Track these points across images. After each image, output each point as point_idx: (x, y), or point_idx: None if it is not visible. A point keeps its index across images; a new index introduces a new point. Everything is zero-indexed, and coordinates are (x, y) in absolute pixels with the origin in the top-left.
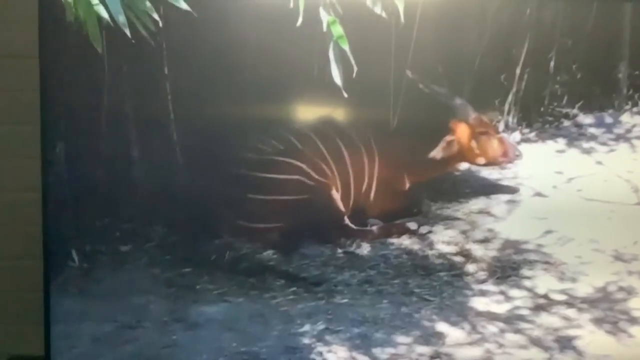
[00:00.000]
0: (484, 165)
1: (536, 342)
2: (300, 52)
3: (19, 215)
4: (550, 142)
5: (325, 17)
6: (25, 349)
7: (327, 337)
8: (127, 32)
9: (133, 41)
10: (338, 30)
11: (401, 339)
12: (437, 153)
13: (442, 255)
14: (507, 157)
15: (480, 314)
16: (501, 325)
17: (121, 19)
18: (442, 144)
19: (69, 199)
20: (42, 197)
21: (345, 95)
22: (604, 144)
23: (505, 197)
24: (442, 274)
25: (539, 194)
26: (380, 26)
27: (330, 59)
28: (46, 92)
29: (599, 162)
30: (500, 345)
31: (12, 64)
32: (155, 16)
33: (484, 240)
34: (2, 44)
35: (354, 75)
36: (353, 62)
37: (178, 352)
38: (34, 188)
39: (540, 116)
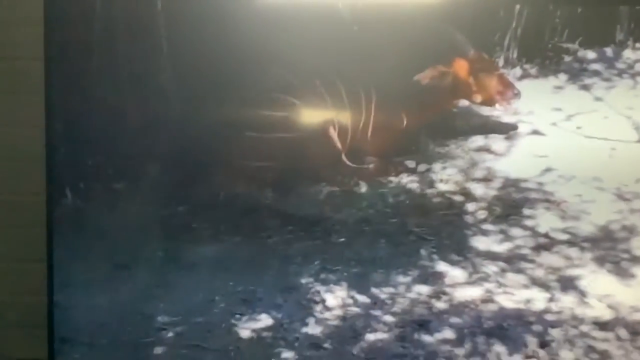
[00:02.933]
0: (482, 103)
1: (537, 282)
2: None
3: (22, 217)
4: (552, 78)
5: None
6: (28, 353)
7: (325, 277)
8: None
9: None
10: None
11: (400, 278)
12: (423, 78)
13: (440, 194)
14: (506, 95)
15: (480, 253)
16: (502, 264)
17: None
18: (431, 71)
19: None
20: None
21: (356, 28)
22: (605, 79)
23: (505, 134)
24: (441, 212)
25: (538, 132)
26: None
27: None
28: (51, 94)
29: (599, 99)
30: (501, 285)
31: (16, 65)
32: None
33: (484, 179)
34: (6, 45)
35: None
36: None
37: (173, 292)
38: (38, 191)
39: (541, 51)
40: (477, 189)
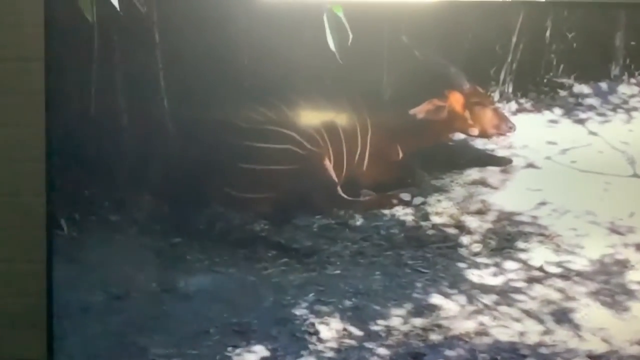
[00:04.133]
0: (477, 136)
1: (531, 315)
2: (294, 20)
3: (22, 218)
4: (546, 112)
5: None
6: (27, 354)
7: (319, 309)
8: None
9: (121, 13)
10: None
11: (394, 311)
12: (419, 112)
13: (435, 227)
14: (500, 129)
15: (474, 286)
16: (495, 297)
17: None
18: (427, 105)
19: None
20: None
21: (340, 61)
22: (600, 114)
23: (500, 167)
24: (435, 245)
25: (533, 165)
26: None
27: (325, 26)
28: (52, 95)
29: (594, 133)
30: (495, 318)
31: (18, 66)
32: None
33: (478, 212)
34: (8, 47)
35: (349, 42)
36: (348, 28)
37: (168, 323)
38: (38, 191)
39: (536, 86)
40: (472, 222)
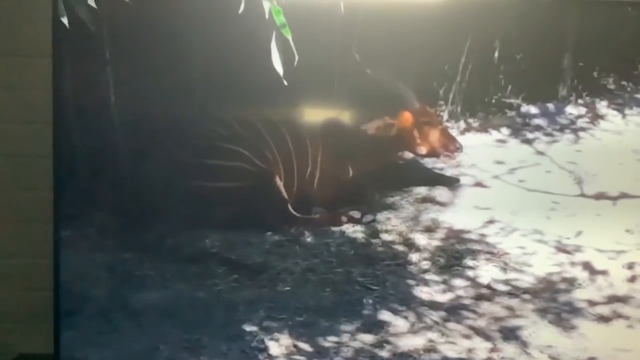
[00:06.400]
0: (425, 155)
1: (479, 332)
2: (244, 40)
3: (30, 213)
4: (494, 132)
5: (267, 5)
6: (35, 347)
7: (269, 325)
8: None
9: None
10: (281, 19)
11: (344, 327)
12: (370, 127)
13: (385, 244)
14: (448, 149)
15: (423, 303)
16: (444, 314)
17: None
18: (377, 122)
19: None
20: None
21: (286, 83)
22: (547, 134)
23: (448, 187)
24: (385, 262)
25: (481, 184)
26: (325, 13)
27: (272, 47)
28: (58, 91)
29: (541, 153)
30: (443, 335)
31: (24, 63)
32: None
33: (427, 230)
34: (14, 43)
35: (295, 64)
36: (295, 50)
37: (118, 339)
38: (46, 187)
39: (484, 106)
40: (421, 240)
